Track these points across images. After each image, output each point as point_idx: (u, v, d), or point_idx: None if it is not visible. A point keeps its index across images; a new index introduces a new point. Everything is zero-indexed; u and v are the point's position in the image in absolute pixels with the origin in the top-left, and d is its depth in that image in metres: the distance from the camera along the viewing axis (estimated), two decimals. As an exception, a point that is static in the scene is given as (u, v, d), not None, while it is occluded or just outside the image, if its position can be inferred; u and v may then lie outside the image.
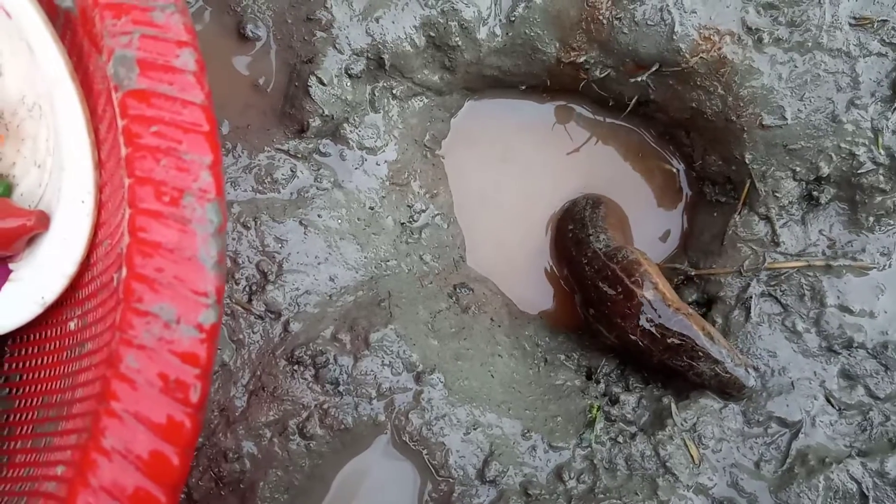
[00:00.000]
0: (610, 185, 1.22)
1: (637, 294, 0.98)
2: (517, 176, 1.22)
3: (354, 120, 1.05)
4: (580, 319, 1.14)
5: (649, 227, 1.22)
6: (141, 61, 0.59)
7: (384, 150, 1.08)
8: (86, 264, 0.72)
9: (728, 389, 0.95)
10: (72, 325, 0.73)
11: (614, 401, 1.00)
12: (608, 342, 1.04)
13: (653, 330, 0.97)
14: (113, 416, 0.51)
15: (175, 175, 0.56)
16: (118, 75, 0.59)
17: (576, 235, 1.12)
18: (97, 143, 0.70)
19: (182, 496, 0.89)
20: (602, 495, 0.92)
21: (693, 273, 1.09)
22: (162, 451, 0.51)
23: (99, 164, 0.71)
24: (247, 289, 0.96)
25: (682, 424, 0.96)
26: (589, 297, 1.06)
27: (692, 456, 0.94)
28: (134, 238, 0.55)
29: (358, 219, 1.04)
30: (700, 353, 0.95)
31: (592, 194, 1.20)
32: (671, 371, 0.98)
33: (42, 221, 0.74)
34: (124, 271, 0.54)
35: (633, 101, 1.14)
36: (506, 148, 1.22)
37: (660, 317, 0.97)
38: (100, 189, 0.71)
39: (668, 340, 0.96)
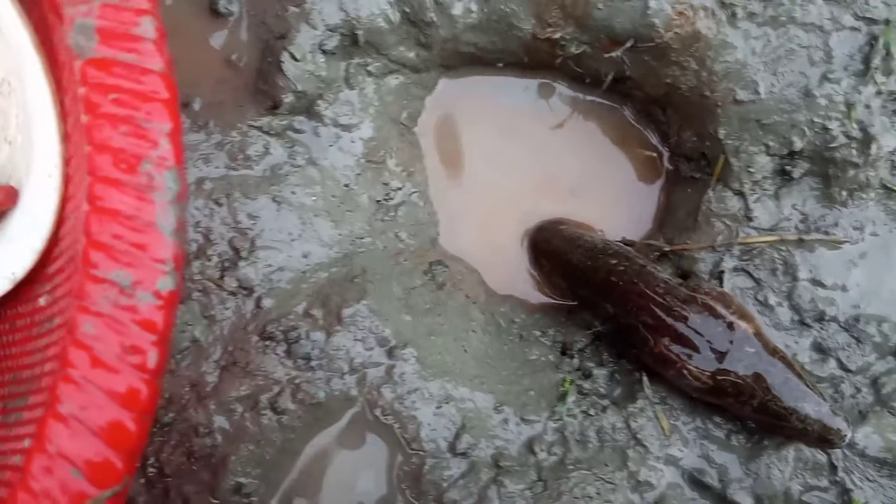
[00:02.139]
0: (589, 162, 1.22)
1: (741, 326, 0.92)
2: (497, 153, 1.22)
3: (329, 97, 1.04)
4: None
5: (628, 204, 1.22)
6: (101, 30, 0.59)
7: (359, 128, 1.07)
8: (54, 239, 0.71)
9: (830, 437, 0.88)
10: (41, 300, 0.73)
11: (587, 375, 1.01)
12: (696, 384, 0.93)
13: (756, 367, 0.90)
14: (69, 382, 0.51)
15: (133, 143, 0.56)
16: (78, 44, 0.59)
17: (629, 269, 1.02)
18: (63, 116, 0.70)
19: (154, 470, 0.89)
20: (572, 466, 0.92)
21: (668, 249, 1.09)
22: (119, 417, 0.51)
23: (65, 138, 0.70)
24: (219, 265, 0.96)
25: (653, 397, 0.96)
26: (676, 334, 0.94)
27: (663, 428, 0.94)
28: (92, 206, 0.55)
29: (332, 196, 1.04)
30: (801, 396, 0.89)
31: (556, 221, 1.17)
32: (772, 416, 0.90)
33: (10, 197, 0.73)
34: (83, 239, 0.55)
35: (609, 77, 1.13)
36: (485, 125, 1.22)
37: (761, 356, 0.91)
38: (66, 163, 0.70)
39: (769, 379, 0.90)
